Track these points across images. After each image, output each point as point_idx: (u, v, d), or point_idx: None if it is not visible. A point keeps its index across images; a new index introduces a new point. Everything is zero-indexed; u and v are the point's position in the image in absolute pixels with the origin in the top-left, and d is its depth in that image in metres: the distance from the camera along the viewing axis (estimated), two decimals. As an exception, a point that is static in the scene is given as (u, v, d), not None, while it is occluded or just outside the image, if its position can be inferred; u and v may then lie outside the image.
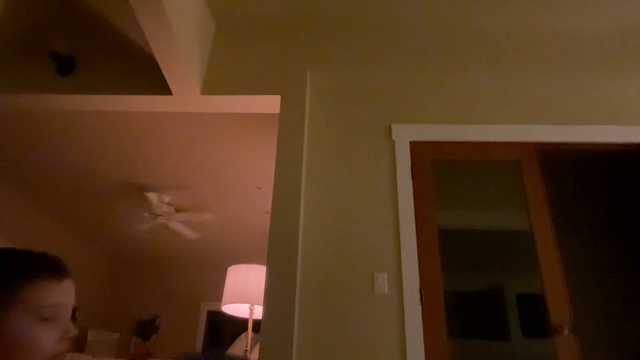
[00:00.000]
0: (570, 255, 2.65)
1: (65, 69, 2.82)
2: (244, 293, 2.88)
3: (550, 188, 2.54)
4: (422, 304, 2.22)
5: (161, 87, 2.75)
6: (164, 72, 2.53)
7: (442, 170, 2.64)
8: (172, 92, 2.70)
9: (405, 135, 2.63)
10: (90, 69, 2.85)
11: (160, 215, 4.80)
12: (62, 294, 0.75)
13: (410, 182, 2.49)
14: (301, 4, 2.84)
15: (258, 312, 2.98)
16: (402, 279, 2.26)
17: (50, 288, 0.73)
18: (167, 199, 4.77)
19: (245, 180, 4.45)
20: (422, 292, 2.24)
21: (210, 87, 2.77)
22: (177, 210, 4.98)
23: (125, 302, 6.41)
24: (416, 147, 2.60)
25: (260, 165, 4.19)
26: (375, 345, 2.15)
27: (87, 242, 5.97)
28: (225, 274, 6.59)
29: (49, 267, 0.75)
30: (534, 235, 2.41)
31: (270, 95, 2.73)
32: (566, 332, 2.17)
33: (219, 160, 4.13)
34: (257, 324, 5.06)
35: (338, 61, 2.92)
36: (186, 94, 2.71)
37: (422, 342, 2.13)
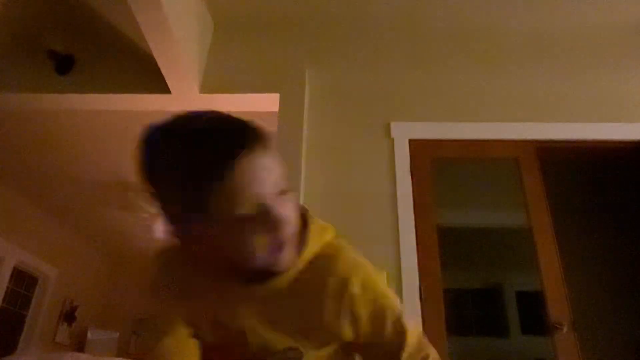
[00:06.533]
0: (569, 252, 2.65)
1: (64, 68, 2.81)
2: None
3: (550, 186, 2.54)
4: (421, 301, 2.21)
5: (160, 86, 2.74)
6: (162, 71, 2.53)
7: (442, 168, 2.64)
8: (171, 90, 2.69)
9: (404, 133, 2.62)
10: (88, 68, 2.84)
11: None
12: None
13: (410, 180, 2.49)
14: (300, 2, 2.83)
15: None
16: (401, 276, 2.26)
17: None
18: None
19: (244, 179, 4.44)
20: (422, 289, 2.24)
21: (209, 85, 2.76)
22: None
23: (125, 302, 6.41)
24: (415, 145, 2.59)
25: (260, 163, 4.18)
26: (375, 343, 2.15)
27: (86, 241, 5.96)
28: (225, 272, 6.57)
29: None
30: (533, 233, 2.40)
31: (269, 94, 2.72)
32: (565, 329, 2.17)
33: (218, 159, 4.11)
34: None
35: (337, 59, 2.91)
36: (185, 93, 2.71)
37: (422, 340, 2.13)
